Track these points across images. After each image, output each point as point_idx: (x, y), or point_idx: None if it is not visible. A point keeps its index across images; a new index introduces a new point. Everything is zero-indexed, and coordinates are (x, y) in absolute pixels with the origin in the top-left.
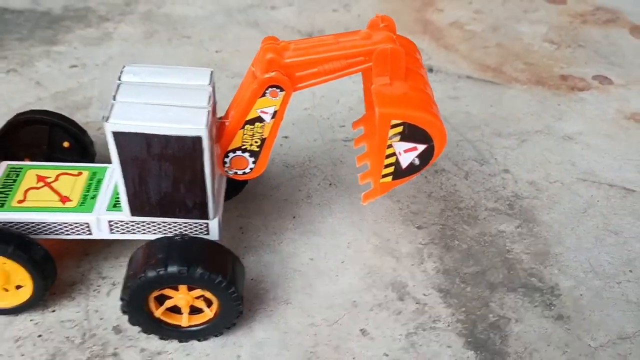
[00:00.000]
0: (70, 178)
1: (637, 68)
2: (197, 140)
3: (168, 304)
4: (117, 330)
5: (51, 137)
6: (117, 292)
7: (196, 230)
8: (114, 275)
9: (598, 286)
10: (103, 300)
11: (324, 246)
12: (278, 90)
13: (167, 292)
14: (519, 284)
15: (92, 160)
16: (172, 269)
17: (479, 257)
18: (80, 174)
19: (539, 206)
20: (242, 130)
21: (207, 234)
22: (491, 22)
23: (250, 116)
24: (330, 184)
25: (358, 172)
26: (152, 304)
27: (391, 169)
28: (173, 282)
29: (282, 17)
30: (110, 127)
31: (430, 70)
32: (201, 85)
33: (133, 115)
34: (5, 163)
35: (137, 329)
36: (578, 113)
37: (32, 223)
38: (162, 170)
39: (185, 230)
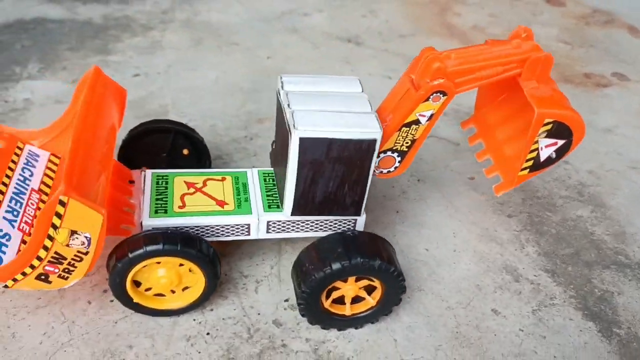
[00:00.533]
0: (216, 183)
1: None
2: (372, 142)
3: (335, 295)
4: (277, 323)
5: (173, 144)
6: (263, 288)
7: (344, 226)
8: (254, 274)
9: None
10: (253, 297)
11: (434, 237)
12: (441, 95)
13: (336, 284)
14: (609, 261)
15: (209, 166)
16: (356, 260)
17: (569, 239)
18: (224, 179)
19: (603, 192)
20: (398, 132)
21: (354, 227)
22: (506, 25)
23: (408, 119)
24: (418, 180)
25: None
26: (323, 296)
27: (530, 163)
28: (352, 274)
29: (317, 24)
30: (298, 134)
31: None
32: (357, 92)
33: (316, 122)
34: (149, 171)
35: (294, 321)
36: (608, 108)
37: (198, 227)
38: (334, 172)
39: (334, 227)
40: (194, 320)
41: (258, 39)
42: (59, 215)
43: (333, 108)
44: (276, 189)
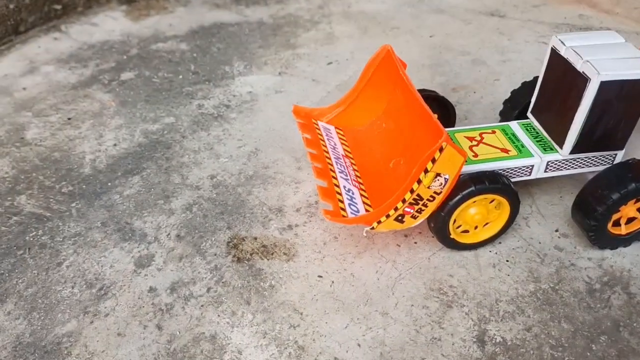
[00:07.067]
0: (490, 135)
1: None
2: None
3: (615, 217)
4: (558, 248)
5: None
6: (533, 222)
7: (606, 161)
8: (521, 212)
9: None
10: (527, 230)
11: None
12: None
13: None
14: None
15: (453, 124)
16: None
17: None
18: (493, 132)
19: None
20: None
21: (612, 163)
22: None
23: None
24: None
25: None
26: (609, 221)
27: None
28: (637, 195)
29: (456, 2)
30: (600, 78)
31: None
32: (622, 42)
33: (612, 67)
34: None
35: (571, 246)
36: None
37: (494, 170)
38: (617, 110)
39: (597, 162)
40: (490, 251)
41: (413, 21)
42: (433, 160)
43: (615, 55)
44: (540, 136)
